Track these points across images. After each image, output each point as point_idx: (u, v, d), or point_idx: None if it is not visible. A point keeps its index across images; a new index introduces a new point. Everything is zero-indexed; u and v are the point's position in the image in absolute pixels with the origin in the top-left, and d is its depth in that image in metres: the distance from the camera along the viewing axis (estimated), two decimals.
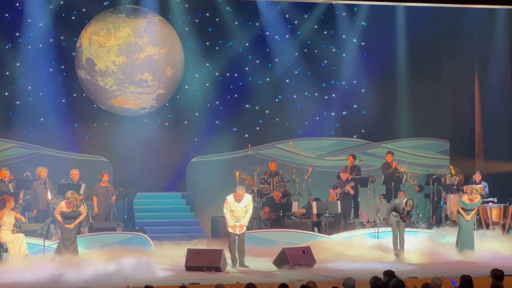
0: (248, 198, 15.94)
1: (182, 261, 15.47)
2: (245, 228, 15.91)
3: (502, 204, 19.70)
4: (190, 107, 22.54)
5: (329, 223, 19.16)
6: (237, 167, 20.40)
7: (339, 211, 19.09)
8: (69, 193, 15.64)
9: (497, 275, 10.98)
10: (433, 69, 23.48)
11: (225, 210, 15.82)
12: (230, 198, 15.84)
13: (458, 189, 20.17)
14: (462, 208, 17.27)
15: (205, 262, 15.18)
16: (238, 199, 15.76)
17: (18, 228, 16.21)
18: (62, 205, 15.58)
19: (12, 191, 17.93)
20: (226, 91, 22.80)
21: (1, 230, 15.73)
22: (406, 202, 16.83)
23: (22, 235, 15.83)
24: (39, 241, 16.21)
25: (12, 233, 15.80)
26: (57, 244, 15.72)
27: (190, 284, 13.20)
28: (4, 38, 21.15)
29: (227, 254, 15.69)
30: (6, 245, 15.77)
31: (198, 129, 22.53)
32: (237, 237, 15.77)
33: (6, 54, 21.18)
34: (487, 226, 19.43)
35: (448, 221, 19.60)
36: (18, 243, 15.65)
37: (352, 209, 20.17)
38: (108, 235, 17.30)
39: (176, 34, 22.38)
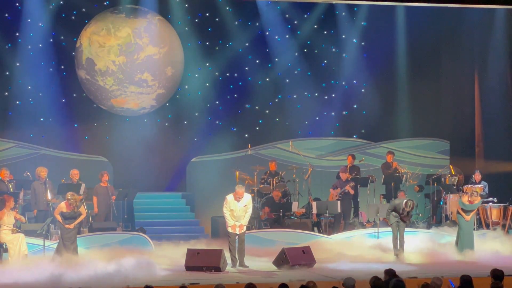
0: (247, 198, 15.93)
1: (182, 261, 15.47)
2: (245, 228, 15.91)
3: (502, 204, 19.69)
4: (190, 107, 22.55)
5: (329, 223, 19.16)
6: (237, 167, 20.40)
7: (339, 211, 19.09)
8: (69, 195, 15.63)
9: (497, 275, 10.98)
10: (433, 69, 23.48)
11: (224, 210, 15.81)
12: (229, 197, 15.84)
13: (458, 189, 20.17)
14: (462, 209, 17.27)
15: (205, 262, 15.18)
16: (238, 198, 15.75)
17: (18, 228, 16.21)
18: (62, 206, 15.58)
19: (12, 191, 17.94)
20: (226, 91, 22.80)
21: (1, 230, 15.72)
22: (406, 202, 16.83)
23: (22, 235, 15.83)
24: (39, 241, 16.21)
25: (12, 233, 15.80)
26: (57, 244, 15.72)
27: (190, 284, 13.20)
28: (4, 38, 21.15)
29: (227, 254, 15.69)
30: (6, 245, 15.76)
31: (198, 129, 22.54)
32: (237, 237, 15.76)
33: (6, 54, 21.18)
34: (487, 226, 19.43)
35: (448, 221, 19.61)
36: (18, 243, 15.65)
37: (352, 209, 20.16)
38: (108, 235, 17.31)
39: (176, 34, 22.38)
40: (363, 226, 19.48)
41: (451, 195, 19.89)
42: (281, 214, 19.12)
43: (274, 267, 15.51)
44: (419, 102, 23.32)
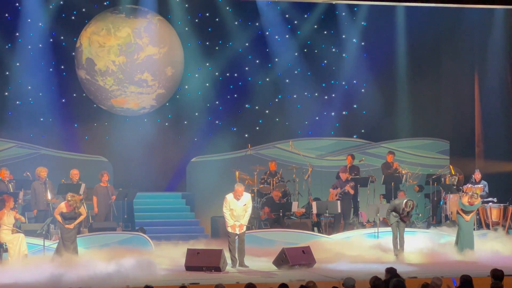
0: (247, 197, 15.93)
1: (182, 261, 15.47)
2: (245, 228, 15.90)
3: (502, 204, 19.69)
4: (190, 107, 22.55)
5: (329, 223, 19.16)
6: (237, 167, 20.40)
7: (339, 211, 19.08)
8: (69, 196, 15.62)
9: (497, 275, 10.98)
10: (433, 69, 23.47)
11: (224, 210, 15.80)
12: (229, 197, 15.83)
13: (458, 189, 20.16)
14: (462, 210, 17.27)
15: (205, 262, 15.17)
16: (238, 197, 15.74)
17: (18, 228, 16.21)
18: (62, 206, 15.58)
19: (12, 191, 17.94)
20: (226, 91, 22.81)
21: (1, 230, 15.71)
22: (406, 203, 16.83)
23: (22, 235, 15.83)
24: (39, 241, 16.22)
25: (12, 233, 15.80)
26: (56, 244, 15.71)
27: (190, 284, 13.20)
28: (4, 38, 21.15)
29: (227, 254, 15.68)
30: (6, 245, 15.76)
31: (198, 129, 22.54)
32: (237, 237, 15.76)
33: (6, 54, 21.18)
34: (487, 226, 19.43)
35: (448, 221, 19.61)
36: (18, 243, 15.65)
37: (352, 209, 20.16)
38: (108, 235, 17.31)
39: (176, 34, 22.38)
40: (363, 226, 19.49)
41: (451, 195, 19.89)
42: (281, 214, 19.12)
43: (274, 267, 15.51)
44: (419, 102, 23.32)
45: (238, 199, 15.75)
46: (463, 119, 23.27)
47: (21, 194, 18.21)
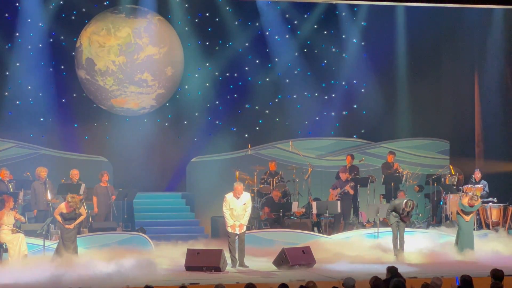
0: (247, 196, 15.92)
1: (182, 261, 15.47)
2: (244, 228, 15.89)
3: (502, 204, 19.69)
4: (190, 107, 22.55)
5: (329, 223, 19.16)
6: (237, 167, 20.39)
7: (339, 211, 19.08)
8: (69, 197, 15.62)
9: (497, 275, 10.98)
10: (433, 69, 23.47)
11: (224, 209, 15.79)
12: (229, 196, 15.82)
13: (458, 189, 20.16)
14: (462, 210, 17.27)
15: (205, 262, 15.17)
16: (237, 195, 15.73)
17: (18, 228, 16.21)
18: (62, 207, 15.58)
19: (12, 191, 17.94)
20: (226, 91, 22.81)
21: (1, 230, 15.71)
22: (406, 203, 16.83)
23: (22, 235, 15.83)
24: (39, 241, 16.22)
25: (12, 233, 15.80)
26: (56, 245, 15.71)
27: (190, 284, 13.20)
28: (4, 38, 21.16)
29: (227, 254, 15.68)
30: (6, 245, 15.76)
31: (198, 129, 22.54)
32: (237, 237, 15.75)
33: (6, 54, 21.18)
34: (487, 226, 19.43)
35: (448, 221, 19.61)
36: (18, 243, 15.65)
37: (352, 209, 20.16)
38: (108, 235, 17.30)
39: (176, 34, 22.38)
40: (363, 226, 19.49)
41: (451, 195, 19.89)
42: (281, 214, 19.11)
43: (274, 267, 15.51)
44: (419, 102, 23.32)
45: (237, 198, 15.74)
46: (463, 119, 23.27)
47: (21, 194, 18.21)
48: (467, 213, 17.24)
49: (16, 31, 21.19)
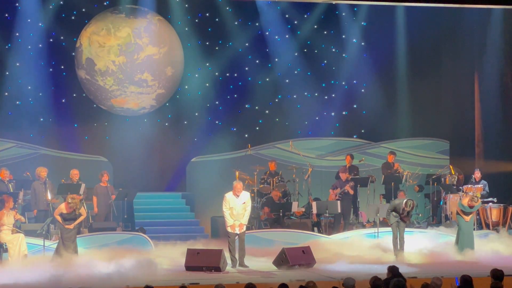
0: (246, 195, 15.92)
1: (182, 261, 15.47)
2: (245, 228, 15.89)
3: (502, 204, 19.69)
4: (190, 107, 22.55)
5: (329, 223, 19.16)
6: (237, 167, 20.39)
7: (339, 211, 19.08)
8: (69, 198, 15.60)
9: (497, 275, 10.98)
10: (433, 69, 23.46)
11: (224, 209, 15.78)
12: (228, 195, 15.81)
13: (458, 189, 20.16)
14: (461, 211, 17.27)
15: (205, 262, 15.17)
16: (236, 194, 15.72)
17: (18, 228, 16.21)
18: (62, 207, 15.57)
19: (12, 191, 17.95)
20: (226, 91, 22.81)
21: (1, 230, 15.71)
22: (406, 202, 16.83)
23: (22, 235, 15.83)
24: (39, 241, 16.22)
25: (12, 233, 15.80)
26: (56, 244, 15.70)
27: (190, 284, 13.20)
28: (4, 38, 21.15)
29: (227, 254, 15.68)
30: (6, 245, 15.76)
31: (198, 129, 22.54)
32: (237, 237, 15.75)
33: (6, 54, 21.18)
34: (487, 226, 19.43)
35: (448, 221, 19.61)
36: (18, 243, 15.65)
37: (352, 209, 20.15)
38: (108, 235, 17.31)
39: (176, 34, 22.38)
40: (363, 226, 19.49)
41: (451, 195, 19.89)
42: (281, 214, 19.11)
43: (274, 267, 15.51)
44: (419, 102, 23.31)
45: (237, 196, 15.73)
46: (463, 119, 23.26)
47: (21, 194, 18.22)
48: (467, 214, 17.24)
49: (16, 31, 21.18)
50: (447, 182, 20.45)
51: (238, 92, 22.85)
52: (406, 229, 17.30)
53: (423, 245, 17.46)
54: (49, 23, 21.39)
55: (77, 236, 15.98)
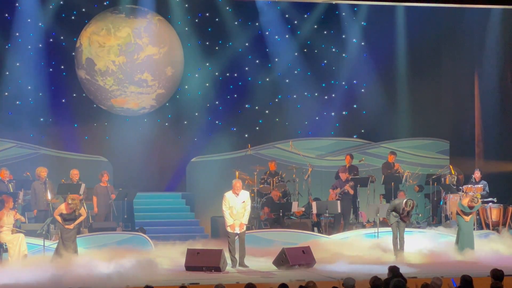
0: (246, 194, 15.91)
1: (182, 261, 15.47)
2: (245, 227, 15.88)
3: (502, 204, 19.69)
4: (190, 107, 22.55)
5: (329, 223, 19.16)
6: (237, 167, 20.40)
7: (339, 211, 19.08)
8: (69, 199, 15.59)
9: (497, 275, 10.99)
10: (433, 69, 23.47)
11: (224, 208, 15.76)
12: (228, 194, 15.80)
13: (458, 189, 20.16)
14: (461, 211, 17.27)
15: (205, 262, 15.17)
16: (236, 192, 15.71)
17: (18, 228, 16.21)
18: (62, 208, 15.57)
19: (12, 191, 17.95)
20: (226, 91, 22.81)
21: (1, 230, 15.71)
22: (406, 202, 16.84)
23: (22, 235, 15.83)
24: (39, 241, 16.21)
25: (12, 233, 15.80)
26: (56, 245, 15.70)
27: (190, 284, 13.19)
28: (4, 38, 21.15)
29: (227, 254, 15.67)
30: (6, 245, 15.76)
31: (198, 129, 22.54)
32: (237, 237, 15.74)
33: (6, 54, 21.18)
34: (487, 226, 19.43)
35: (448, 221, 19.60)
36: (18, 243, 15.65)
37: (352, 209, 20.15)
38: (108, 235, 17.30)
39: (176, 34, 22.38)
40: (363, 226, 19.49)
41: (451, 195, 19.89)
42: (281, 214, 19.11)
43: (273, 267, 15.51)
44: (419, 102, 23.32)
45: (236, 195, 15.72)
46: (463, 119, 23.26)
47: (21, 194, 18.22)
48: (466, 214, 17.24)
49: (16, 31, 21.19)
50: (447, 182, 20.44)
51: (238, 92, 22.86)
52: (407, 229, 17.30)
53: (423, 245, 17.45)
54: (49, 23, 21.40)
55: (77, 236, 15.97)
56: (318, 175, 21.73)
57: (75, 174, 18.54)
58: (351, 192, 19.70)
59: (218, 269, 15.08)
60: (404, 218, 16.95)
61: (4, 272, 14.20)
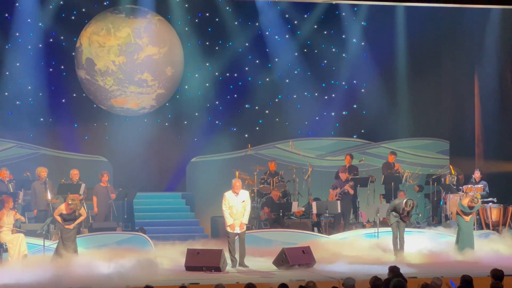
0: (245, 193, 15.91)
1: (182, 261, 15.47)
2: (245, 227, 15.88)
3: (502, 204, 19.69)
4: (190, 107, 22.55)
5: (329, 223, 19.16)
6: (237, 167, 20.40)
7: (339, 211, 19.08)
8: (70, 200, 15.59)
9: (497, 275, 10.98)
10: (433, 69, 23.47)
11: (224, 207, 15.76)
12: (227, 193, 15.79)
13: (458, 189, 20.16)
14: (461, 211, 17.27)
15: (205, 262, 15.17)
16: (235, 191, 15.70)
17: (18, 228, 16.21)
18: (62, 208, 15.57)
19: (12, 191, 17.95)
20: (226, 91, 22.81)
21: (1, 230, 15.71)
22: (406, 202, 16.84)
23: (22, 235, 15.83)
24: (39, 241, 16.21)
25: (12, 233, 15.80)
26: (56, 245, 15.70)
27: (190, 284, 13.20)
28: (4, 38, 21.15)
29: (227, 254, 15.67)
30: (6, 245, 15.76)
31: (198, 129, 22.54)
32: (237, 237, 15.74)
33: (6, 54, 21.18)
34: (487, 226, 19.43)
35: (448, 221, 19.61)
36: (18, 243, 15.65)
37: (352, 209, 20.15)
38: (108, 235, 17.30)
39: (176, 34, 22.38)
40: (363, 226, 19.48)
41: (451, 195, 19.89)
42: (281, 214, 19.11)
43: (273, 267, 15.51)
44: (419, 102, 23.32)
45: (236, 194, 15.72)
46: (463, 119, 23.26)
47: (21, 194, 18.22)
48: (466, 214, 17.24)
49: (16, 31, 21.19)
50: (447, 182, 20.44)
51: (238, 92, 22.85)
52: (407, 229, 17.30)
53: (423, 245, 17.45)
54: (49, 23, 21.40)
55: (77, 236, 15.97)
56: (318, 175, 21.73)
57: (75, 174, 18.55)
58: (351, 192, 19.71)
59: (218, 269, 15.08)
60: (404, 218, 16.95)
61: (4, 272, 14.20)
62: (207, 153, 22.18)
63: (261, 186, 20.20)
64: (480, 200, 17.71)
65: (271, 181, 20.16)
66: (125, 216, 18.88)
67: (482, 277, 12.44)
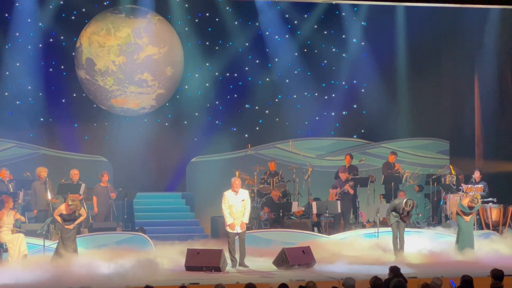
0: (245, 192, 15.90)
1: (182, 261, 15.47)
2: (245, 227, 15.87)
3: (502, 204, 19.69)
4: (190, 107, 22.55)
5: (329, 223, 19.16)
6: (237, 167, 20.40)
7: (339, 211, 19.08)
8: (70, 200, 15.58)
9: (497, 275, 10.98)
10: (433, 69, 23.47)
11: (223, 207, 15.74)
12: (227, 193, 15.77)
13: (458, 189, 20.16)
14: (461, 211, 17.27)
15: (205, 262, 15.17)
16: (235, 189, 15.69)
17: (18, 228, 16.21)
18: (62, 208, 15.56)
19: (12, 191, 17.95)
20: (226, 91, 22.81)
21: (1, 230, 15.71)
22: (406, 202, 16.84)
23: (22, 235, 15.83)
24: (39, 241, 16.21)
25: (12, 233, 15.80)
26: (56, 245, 15.70)
27: (190, 284, 13.20)
28: (4, 38, 21.15)
29: (227, 254, 15.67)
30: (6, 245, 15.76)
31: (198, 129, 22.54)
32: (237, 237, 15.73)
33: (6, 54, 21.18)
34: (487, 226, 19.43)
35: (448, 221, 19.60)
36: (18, 243, 15.65)
37: (351, 209, 20.15)
38: (108, 235, 17.29)
39: (176, 34, 22.38)
40: (363, 226, 19.48)
41: (451, 195, 19.89)
42: (281, 214, 19.11)
43: (273, 267, 15.51)
44: (419, 102, 23.32)
45: (236, 193, 15.70)
46: (463, 119, 23.27)
47: (21, 194, 18.22)
48: (466, 214, 17.24)
49: (16, 31, 21.19)
50: (447, 182, 20.44)
51: (238, 92, 22.86)
52: (407, 229, 17.30)
53: (423, 245, 17.45)
54: (49, 23, 21.40)
55: (77, 236, 15.97)
56: (318, 175, 21.73)
57: (75, 174, 18.55)
58: (351, 192, 19.71)
59: (218, 269, 15.08)
60: (404, 218, 16.95)
61: (4, 272, 14.19)
62: (207, 153, 22.19)
63: (261, 186, 20.20)
64: (480, 200, 17.71)
65: (271, 181, 20.16)
66: (125, 216, 18.89)
67: (482, 277, 12.44)
